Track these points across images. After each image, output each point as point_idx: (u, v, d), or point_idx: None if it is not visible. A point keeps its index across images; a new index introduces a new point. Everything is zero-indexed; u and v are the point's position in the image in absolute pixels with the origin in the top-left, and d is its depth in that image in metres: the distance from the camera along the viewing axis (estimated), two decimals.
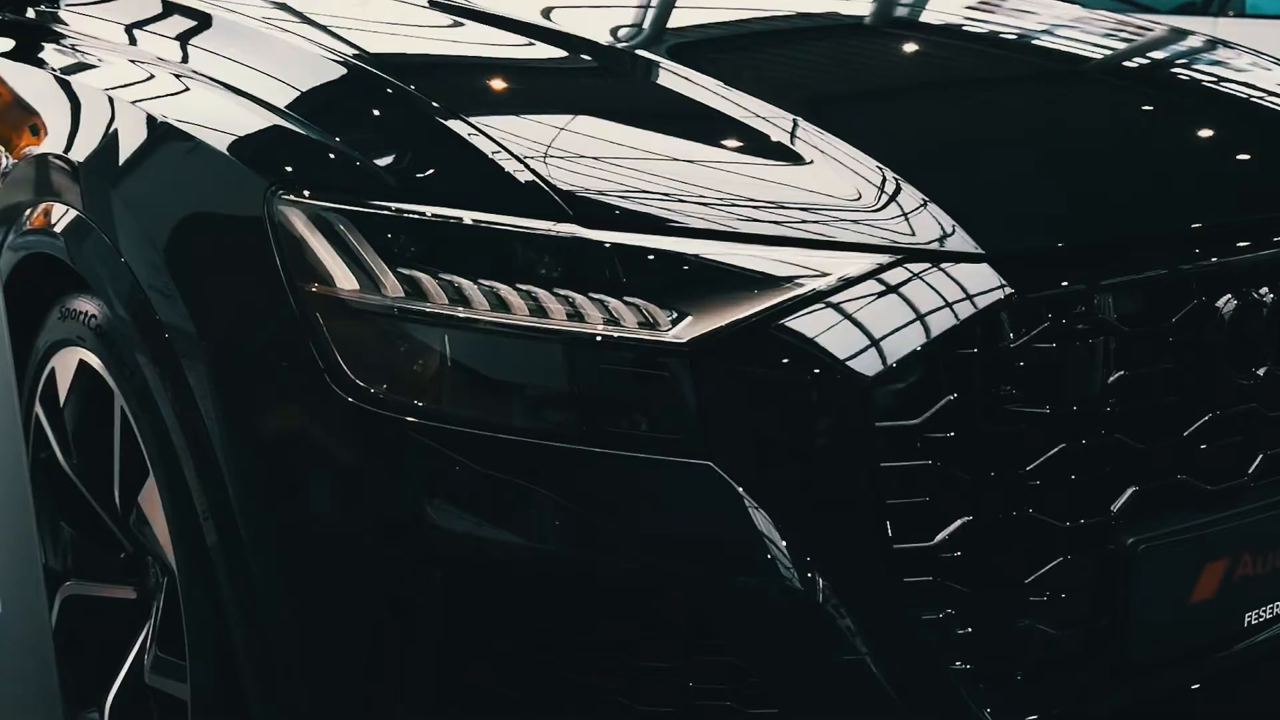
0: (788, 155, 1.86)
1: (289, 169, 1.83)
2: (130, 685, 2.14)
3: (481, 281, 1.69)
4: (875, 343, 1.67)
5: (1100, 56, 2.55)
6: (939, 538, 1.70)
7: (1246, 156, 2.15)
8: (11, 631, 1.65)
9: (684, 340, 1.65)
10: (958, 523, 1.71)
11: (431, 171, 1.81)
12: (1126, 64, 2.53)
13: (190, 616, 1.92)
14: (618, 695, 1.72)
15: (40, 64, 2.39)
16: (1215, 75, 2.48)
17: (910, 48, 2.58)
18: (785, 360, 1.66)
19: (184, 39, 2.24)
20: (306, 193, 1.76)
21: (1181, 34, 2.73)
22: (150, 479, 1.97)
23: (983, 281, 1.71)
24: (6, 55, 2.49)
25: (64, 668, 1.80)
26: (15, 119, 2.36)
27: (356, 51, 2.07)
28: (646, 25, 2.53)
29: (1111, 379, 1.77)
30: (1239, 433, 1.89)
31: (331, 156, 1.85)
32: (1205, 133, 2.22)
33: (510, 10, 2.33)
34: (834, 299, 1.67)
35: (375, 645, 1.76)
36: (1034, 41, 2.63)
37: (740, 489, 1.66)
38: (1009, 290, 1.71)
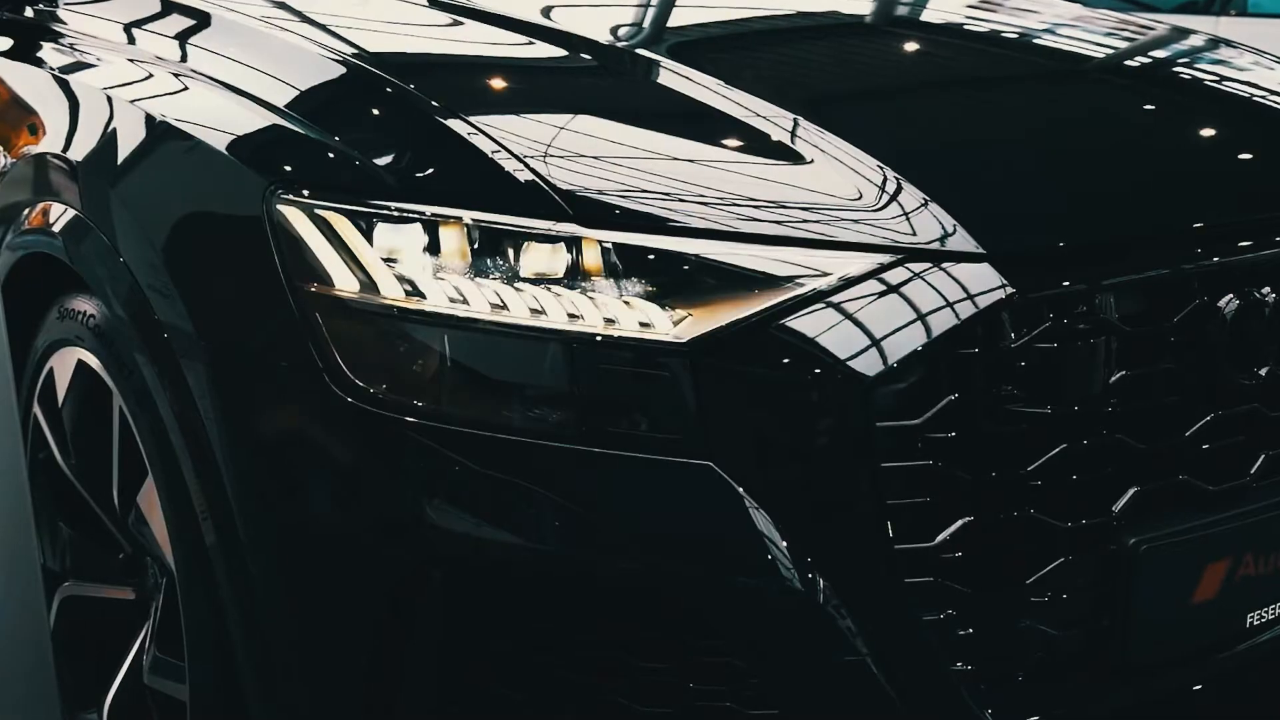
0: (788, 154, 1.85)
1: (288, 168, 1.82)
2: (129, 686, 2.13)
3: (481, 281, 1.69)
4: (876, 342, 1.66)
5: (1102, 55, 2.55)
6: (940, 538, 1.70)
7: (1248, 156, 2.15)
8: (10, 632, 1.64)
9: (684, 340, 1.65)
10: (959, 523, 1.70)
11: (431, 171, 1.80)
12: (1128, 63, 2.53)
13: (189, 617, 1.91)
14: (617, 695, 1.71)
15: (39, 63, 2.39)
16: (1217, 74, 2.47)
17: (911, 47, 2.58)
18: (786, 360, 1.66)
19: (183, 38, 2.24)
20: (306, 192, 1.76)
21: (1183, 33, 2.73)
22: (149, 479, 1.97)
23: (984, 281, 1.71)
24: (5, 54, 2.49)
25: (62, 668, 1.80)
26: (14, 118, 2.35)
27: (356, 51, 2.06)
28: (646, 24, 2.52)
29: (1113, 379, 1.77)
30: (1241, 433, 1.89)
31: (331, 156, 1.84)
32: (1207, 132, 2.22)
33: (510, 9, 2.32)
34: (835, 299, 1.67)
35: (375, 645, 1.76)
36: (1035, 40, 2.62)
37: (740, 489, 1.65)
38: (1010, 290, 1.70)
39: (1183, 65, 2.57)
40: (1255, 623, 1.92)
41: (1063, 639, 1.78)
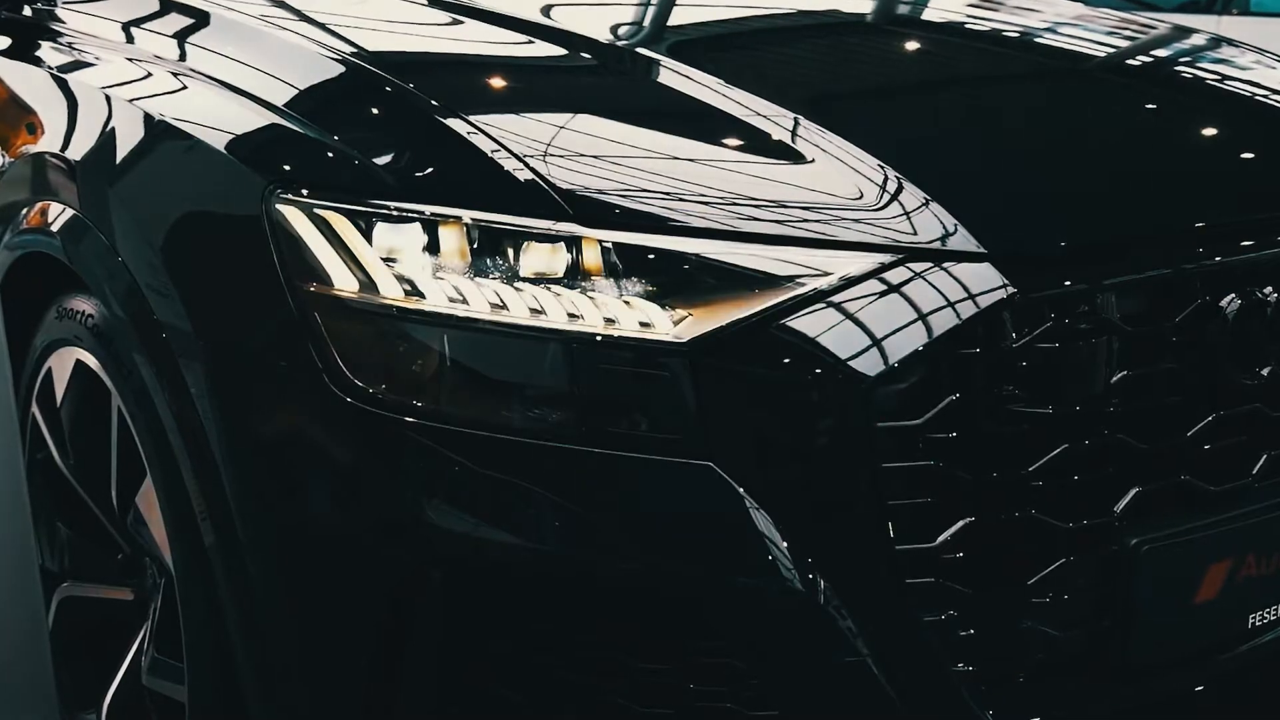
0: (789, 154, 1.85)
1: (287, 168, 1.82)
2: (128, 687, 2.13)
3: (481, 281, 1.68)
4: (877, 342, 1.66)
5: (1103, 54, 2.55)
6: (941, 539, 1.69)
7: (1250, 155, 2.14)
8: (8, 633, 1.64)
9: (684, 340, 1.64)
10: (960, 524, 1.70)
11: (430, 170, 1.80)
12: (1129, 62, 2.52)
13: (188, 618, 1.91)
14: (617, 696, 1.71)
15: (37, 62, 2.38)
16: (1219, 74, 2.47)
17: (912, 46, 2.57)
18: (786, 360, 1.65)
19: (181, 37, 2.24)
20: (305, 191, 1.76)
21: (1185, 32, 2.73)
22: (147, 479, 1.96)
23: (985, 281, 1.70)
24: (3, 53, 2.48)
25: (61, 669, 1.80)
26: (12, 117, 2.35)
27: (355, 50, 2.06)
28: (647, 23, 2.52)
29: (1114, 379, 1.77)
30: (1242, 433, 1.89)
31: (330, 155, 1.84)
32: (1209, 131, 2.21)
33: (510, 8, 2.32)
34: (835, 298, 1.67)
35: (374, 646, 1.75)
36: (1037, 39, 2.62)
37: (740, 489, 1.65)
38: (1011, 290, 1.70)
39: (1184, 64, 2.57)
40: (1257, 623, 1.92)
41: (1064, 640, 1.78)
